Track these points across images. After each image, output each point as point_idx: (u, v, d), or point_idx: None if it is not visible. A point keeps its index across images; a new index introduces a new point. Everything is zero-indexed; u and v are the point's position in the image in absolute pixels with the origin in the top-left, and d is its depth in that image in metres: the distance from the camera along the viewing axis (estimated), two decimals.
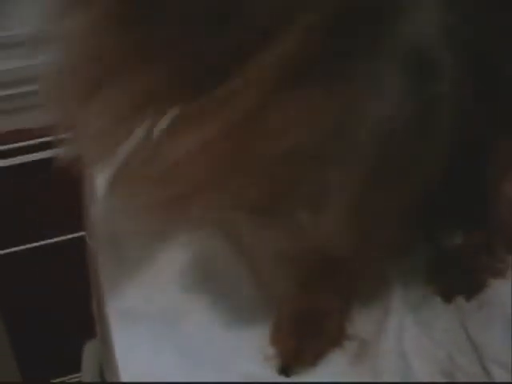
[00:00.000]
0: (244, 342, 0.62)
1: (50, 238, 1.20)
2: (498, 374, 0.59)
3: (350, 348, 0.60)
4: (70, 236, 1.19)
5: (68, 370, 1.32)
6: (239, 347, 0.62)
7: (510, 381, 0.58)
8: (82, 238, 0.94)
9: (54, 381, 1.34)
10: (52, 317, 1.27)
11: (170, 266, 0.68)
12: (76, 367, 1.04)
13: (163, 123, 0.44)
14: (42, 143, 1.06)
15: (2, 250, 1.19)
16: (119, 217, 0.73)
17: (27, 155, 1.09)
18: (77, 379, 1.30)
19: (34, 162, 1.12)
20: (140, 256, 0.70)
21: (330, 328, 0.61)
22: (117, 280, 0.68)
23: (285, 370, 0.59)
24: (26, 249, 1.20)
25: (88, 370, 0.83)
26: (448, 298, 0.65)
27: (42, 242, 1.20)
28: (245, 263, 0.69)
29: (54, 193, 1.16)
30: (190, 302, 0.65)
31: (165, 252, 0.70)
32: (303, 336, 0.60)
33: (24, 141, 1.07)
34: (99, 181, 0.79)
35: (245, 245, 0.70)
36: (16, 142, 1.07)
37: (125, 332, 0.63)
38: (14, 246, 1.20)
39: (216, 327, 0.63)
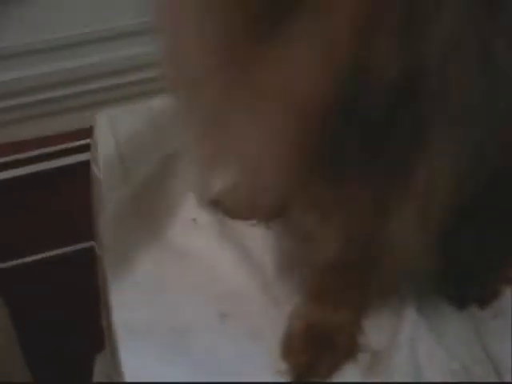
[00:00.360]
0: (254, 358, 0.61)
1: (61, 248, 1.20)
2: None
3: (363, 360, 0.60)
4: (80, 246, 1.18)
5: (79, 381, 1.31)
6: (249, 363, 0.61)
7: None
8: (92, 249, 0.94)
9: None
10: (64, 328, 1.26)
11: (180, 281, 0.68)
12: (86, 378, 1.04)
13: None
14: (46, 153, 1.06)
15: (14, 260, 1.19)
16: (128, 228, 0.73)
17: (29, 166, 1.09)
18: None
19: (39, 172, 1.12)
20: (149, 269, 0.69)
21: (342, 341, 0.60)
22: (125, 294, 0.68)
23: None
24: (37, 259, 1.20)
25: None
26: (462, 306, 0.64)
27: (53, 253, 1.20)
28: (256, 277, 0.68)
29: (64, 202, 1.16)
30: (199, 317, 0.64)
31: (175, 266, 0.69)
32: (316, 350, 0.59)
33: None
34: (107, 191, 0.79)
35: (255, 258, 0.70)
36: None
37: (132, 347, 0.62)
38: (26, 256, 1.20)
39: (225, 343, 0.63)
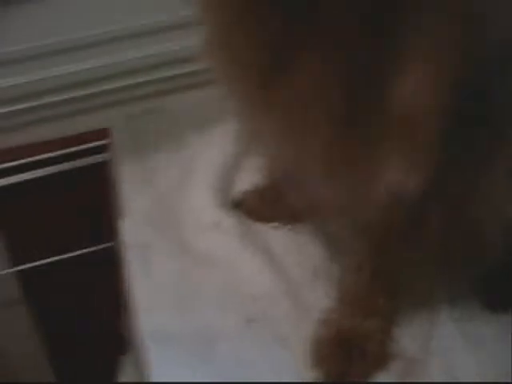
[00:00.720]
0: (280, 364, 0.60)
1: (82, 249, 1.19)
2: None
3: (396, 368, 0.58)
4: (101, 246, 1.17)
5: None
6: (275, 369, 0.59)
7: None
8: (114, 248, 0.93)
9: None
10: (87, 329, 1.26)
11: (205, 286, 0.66)
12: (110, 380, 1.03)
13: None
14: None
15: (36, 261, 1.19)
16: (152, 232, 0.72)
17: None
18: None
19: (60, 173, 1.11)
20: (174, 273, 0.68)
21: (372, 349, 0.58)
22: (150, 297, 0.66)
23: None
24: (60, 260, 1.18)
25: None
26: (497, 310, 0.61)
27: (75, 253, 1.18)
28: (281, 282, 0.66)
29: (84, 203, 1.15)
30: (226, 322, 0.63)
31: (199, 271, 0.68)
32: (346, 358, 0.57)
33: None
34: (130, 193, 0.78)
35: (280, 262, 0.68)
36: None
37: (159, 352, 0.61)
38: (48, 257, 1.19)
39: (252, 348, 0.61)
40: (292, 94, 0.47)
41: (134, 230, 0.72)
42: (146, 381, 0.61)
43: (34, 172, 1.09)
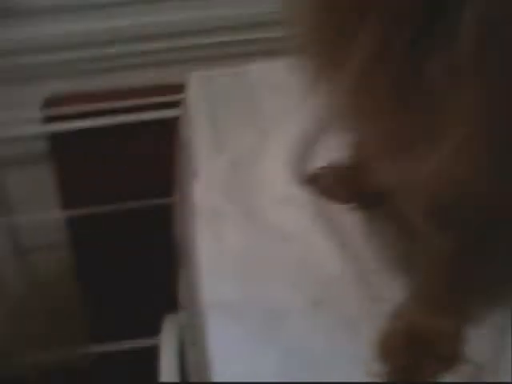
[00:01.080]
0: (346, 350, 0.58)
1: (138, 201, 1.19)
2: None
3: (466, 372, 0.56)
4: (158, 202, 1.17)
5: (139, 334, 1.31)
6: (341, 354, 0.58)
7: None
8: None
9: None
10: (134, 283, 1.26)
11: (273, 261, 0.65)
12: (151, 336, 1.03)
13: None
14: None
15: (89, 209, 1.19)
16: (222, 199, 0.71)
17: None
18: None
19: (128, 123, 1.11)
20: (241, 244, 0.66)
21: (444, 349, 0.56)
22: (215, 265, 0.65)
23: None
24: (114, 210, 1.18)
25: (167, 368, 0.80)
26: None
27: (129, 205, 1.18)
28: (352, 267, 0.64)
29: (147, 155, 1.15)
30: (293, 302, 0.61)
31: (267, 245, 0.66)
32: (415, 355, 0.56)
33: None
34: (201, 154, 0.76)
35: (352, 246, 0.66)
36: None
37: (222, 329, 0.60)
38: (101, 206, 1.19)
39: (318, 331, 0.60)
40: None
41: (205, 193, 0.71)
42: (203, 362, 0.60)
43: (104, 118, 1.10)
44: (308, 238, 0.67)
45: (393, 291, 0.61)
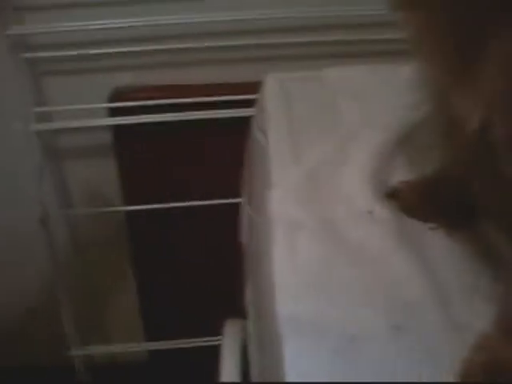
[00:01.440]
0: (427, 378, 0.55)
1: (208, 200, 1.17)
2: None
3: None
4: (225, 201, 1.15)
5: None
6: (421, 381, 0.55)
7: None
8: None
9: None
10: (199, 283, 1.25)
11: (350, 279, 0.62)
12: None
13: None
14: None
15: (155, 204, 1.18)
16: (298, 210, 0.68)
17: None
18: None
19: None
20: (317, 259, 0.64)
21: None
22: (289, 278, 0.62)
23: None
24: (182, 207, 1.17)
25: (228, 369, 0.79)
26: None
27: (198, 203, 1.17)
28: (434, 292, 0.61)
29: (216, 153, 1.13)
30: (372, 325, 0.58)
31: (345, 261, 0.63)
32: None
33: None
34: (277, 162, 0.74)
35: (435, 269, 0.63)
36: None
37: (298, 348, 0.57)
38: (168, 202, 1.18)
39: (397, 357, 0.56)
40: None
41: (282, 204, 0.68)
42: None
43: (170, 114, 1.09)
44: (389, 258, 0.63)
45: (475, 319, 0.57)
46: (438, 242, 0.66)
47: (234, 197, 0.97)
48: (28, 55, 1.09)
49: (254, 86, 0.89)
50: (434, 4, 0.47)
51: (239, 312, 0.87)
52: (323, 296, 0.60)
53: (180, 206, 1.19)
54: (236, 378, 0.80)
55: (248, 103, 0.94)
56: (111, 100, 1.16)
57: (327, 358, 0.56)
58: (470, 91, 0.48)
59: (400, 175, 0.71)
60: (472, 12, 0.45)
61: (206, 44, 1.06)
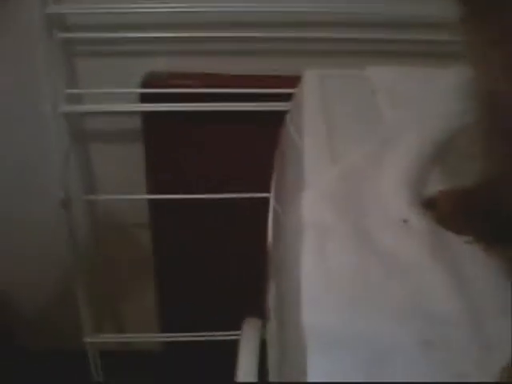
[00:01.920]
0: None
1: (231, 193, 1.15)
2: None
3: None
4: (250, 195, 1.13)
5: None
6: None
7: None
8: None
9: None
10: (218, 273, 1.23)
11: (383, 290, 0.59)
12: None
13: None
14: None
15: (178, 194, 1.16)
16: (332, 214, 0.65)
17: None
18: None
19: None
20: (351, 268, 0.61)
21: None
22: (318, 285, 0.60)
23: None
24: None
25: (245, 369, 0.77)
26: None
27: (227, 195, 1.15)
28: (468, 309, 0.58)
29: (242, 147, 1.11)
30: (401, 339, 0.56)
31: (379, 271, 0.61)
32: None
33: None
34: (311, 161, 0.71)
35: (471, 286, 0.60)
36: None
37: (323, 358, 0.54)
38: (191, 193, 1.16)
39: (426, 373, 0.54)
40: None
41: (315, 207, 0.65)
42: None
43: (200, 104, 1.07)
44: (423, 271, 0.61)
45: (508, 339, 0.55)
46: (473, 257, 0.63)
47: (262, 192, 0.95)
48: (63, 35, 1.08)
49: (291, 81, 0.86)
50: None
51: (259, 311, 0.85)
52: (352, 308, 0.58)
53: (204, 198, 1.17)
54: (253, 378, 0.79)
55: (282, 97, 0.92)
56: (144, 85, 1.14)
57: (353, 373, 0.54)
58: None
59: (438, 184, 0.68)
60: None
61: (240, 34, 1.03)
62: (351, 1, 0.96)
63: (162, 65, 1.12)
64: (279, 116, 0.88)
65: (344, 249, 0.62)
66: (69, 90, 1.13)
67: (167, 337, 1.29)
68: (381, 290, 0.59)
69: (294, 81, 0.86)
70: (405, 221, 0.65)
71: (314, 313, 0.58)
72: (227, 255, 1.21)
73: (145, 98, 1.14)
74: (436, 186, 0.69)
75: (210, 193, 1.17)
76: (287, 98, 0.89)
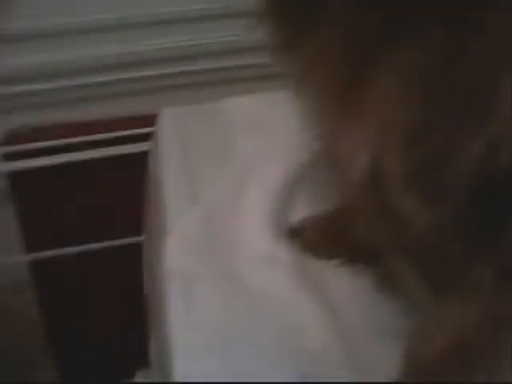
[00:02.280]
0: None
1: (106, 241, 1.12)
2: None
3: None
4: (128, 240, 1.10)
5: None
6: None
7: None
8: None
9: None
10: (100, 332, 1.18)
11: (253, 329, 0.58)
12: None
13: None
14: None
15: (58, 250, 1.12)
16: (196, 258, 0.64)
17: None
18: None
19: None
20: (216, 310, 0.59)
21: None
22: (187, 334, 0.58)
23: None
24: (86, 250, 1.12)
25: None
26: None
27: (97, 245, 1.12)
28: (340, 337, 0.57)
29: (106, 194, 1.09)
30: (276, 376, 0.54)
31: (247, 310, 0.59)
32: None
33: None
34: (172, 205, 0.69)
35: (340, 313, 0.59)
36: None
37: None
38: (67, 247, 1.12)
39: None
40: None
41: (178, 255, 0.64)
42: None
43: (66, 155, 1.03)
44: (291, 303, 0.60)
45: (383, 360, 0.54)
46: (342, 281, 0.62)
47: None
48: None
49: (152, 119, 0.85)
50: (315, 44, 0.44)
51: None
52: (220, 353, 0.56)
53: (86, 250, 1.13)
54: None
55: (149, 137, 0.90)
56: (5, 144, 1.09)
57: None
58: (355, 130, 0.45)
59: (300, 213, 0.68)
60: (354, 46, 0.43)
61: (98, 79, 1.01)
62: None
63: (20, 120, 1.08)
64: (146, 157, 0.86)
65: (210, 293, 0.61)
66: None
67: None
68: (251, 330, 0.58)
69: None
70: (271, 255, 0.64)
71: (184, 365, 0.56)
72: (118, 306, 1.17)
73: (8, 157, 1.09)
74: (299, 214, 0.68)
75: (90, 243, 1.13)
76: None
